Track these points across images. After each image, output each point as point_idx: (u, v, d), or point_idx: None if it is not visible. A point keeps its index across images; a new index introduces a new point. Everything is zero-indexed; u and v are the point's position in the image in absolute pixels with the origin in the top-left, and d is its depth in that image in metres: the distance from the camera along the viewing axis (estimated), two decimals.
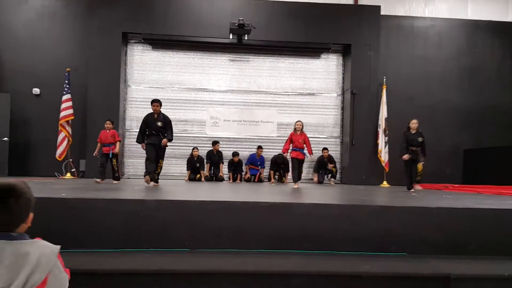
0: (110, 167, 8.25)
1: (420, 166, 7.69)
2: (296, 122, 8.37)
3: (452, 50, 12.04)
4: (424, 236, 3.96)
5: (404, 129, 8.00)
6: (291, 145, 8.24)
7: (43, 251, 1.69)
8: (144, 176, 7.29)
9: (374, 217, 3.99)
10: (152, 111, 7.50)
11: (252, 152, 11.47)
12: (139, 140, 7.49)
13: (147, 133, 7.45)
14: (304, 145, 8.19)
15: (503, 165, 10.22)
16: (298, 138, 8.16)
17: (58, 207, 3.64)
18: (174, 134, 11.29)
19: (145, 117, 7.56)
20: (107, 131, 8.16)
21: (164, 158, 7.69)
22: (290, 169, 8.43)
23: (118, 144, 8.17)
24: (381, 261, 3.61)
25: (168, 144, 7.45)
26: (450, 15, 12.17)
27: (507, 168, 10.04)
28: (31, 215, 1.78)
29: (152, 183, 7.18)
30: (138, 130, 7.68)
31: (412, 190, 7.70)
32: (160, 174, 7.62)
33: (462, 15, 12.21)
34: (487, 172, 10.62)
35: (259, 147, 11.16)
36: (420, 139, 7.73)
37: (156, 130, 7.37)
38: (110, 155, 8.07)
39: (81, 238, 3.49)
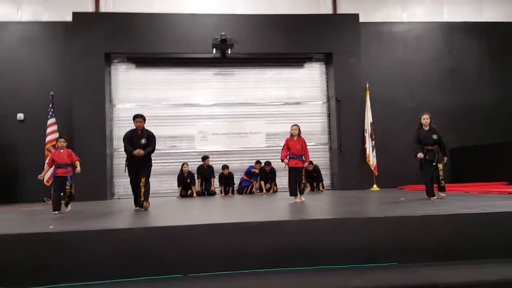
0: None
1: (440, 166, 6.66)
2: (292, 126, 7.31)
3: (432, 52, 12.24)
4: (412, 244, 4.02)
5: (415, 126, 7.07)
6: (288, 152, 7.21)
7: None
8: (135, 206, 6.76)
9: (362, 229, 4.05)
10: (135, 128, 6.76)
11: (243, 165, 11.53)
12: (130, 151, 6.57)
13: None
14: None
15: (489, 162, 10.40)
16: (295, 144, 7.16)
17: (47, 241, 3.63)
18: (164, 151, 11.24)
19: (127, 134, 6.79)
20: (61, 150, 6.88)
21: (151, 175, 6.86)
22: (288, 180, 7.31)
23: (78, 163, 6.86)
24: (372, 273, 3.67)
25: (142, 153, 6.53)
26: (427, 19, 12.41)
27: (492, 165, 10.23)
28: None
29: (144, 206, 6.51)
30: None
31: (435, 197, 6.60)
32: (148, 194, 6.68)
33: (438, 18, 12.47)
34: (473, 170, 10.77)
35: (258, 162, 11.13)
36: (435, 136, 6.74)
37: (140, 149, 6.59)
38: (68, 179, 6.74)
39: (71, 271, 3.49)
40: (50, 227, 4.12)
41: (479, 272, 3.62)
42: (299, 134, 7.28)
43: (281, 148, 7.40)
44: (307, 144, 7.36)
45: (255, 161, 11.22)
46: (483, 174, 10.25)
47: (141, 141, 6.67)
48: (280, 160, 7.42)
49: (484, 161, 10.60)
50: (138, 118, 6.73)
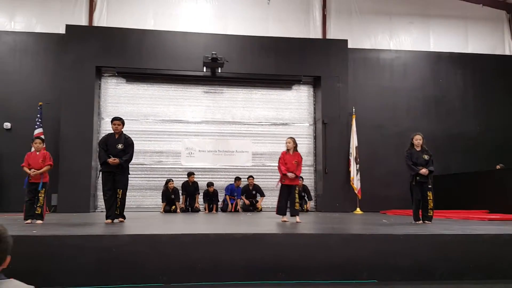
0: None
1: (430, 195, 6.42)
2: (287, 139, 6.66)
3: (417, 80, 12.55)
4: (393, 262, 4.08)
5: (406, 147, 6.84)
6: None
7: None
8: (106, 219, 6.20)
9: (345, 245, 4.10)
10: (112, 131, 6.38)
11: (228, 183, 11.49)
12: (104, 158, 6.16)
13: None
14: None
15: (470, 190, 10.56)
16: (290, 159, 6.48)
17: (30, 245, 3.60)
18: (150, 166, 11.14)
19: (103, 138, 6.44)
20: (37, 152, 6.18)
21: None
22: (278, 197, 6.72)
23: (46, 168, 6.15)
24: None
25: (117, 162, 6.11)
26: (413, 48, 12.79)
27: (474, 193, 10.38)
28: (8, 258, 1.84)
29: (117, 220, 6.31)
30: None
31: (420, 221, 6.37)
32: (124, 208, 6.42)
33: (425, 47, 12.85)
34: (455, 198, 10.91)
35: (238, 178, 11.17)
36: (426, 157, 6.47)
37: (115, 154, 6.15)
38: (40, 186, 6.08)
39: (53, 276, 3.45)
40: (33, 231, 4.07)
41: None
42: (295, 147, 6.62)
43: (277, 166, 6.77)
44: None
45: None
46: (465, 202, 10.39)
47: (117, 146, 6.24)
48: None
49: (466, 189, 10.74)
50: (116, 120, 6.35)
